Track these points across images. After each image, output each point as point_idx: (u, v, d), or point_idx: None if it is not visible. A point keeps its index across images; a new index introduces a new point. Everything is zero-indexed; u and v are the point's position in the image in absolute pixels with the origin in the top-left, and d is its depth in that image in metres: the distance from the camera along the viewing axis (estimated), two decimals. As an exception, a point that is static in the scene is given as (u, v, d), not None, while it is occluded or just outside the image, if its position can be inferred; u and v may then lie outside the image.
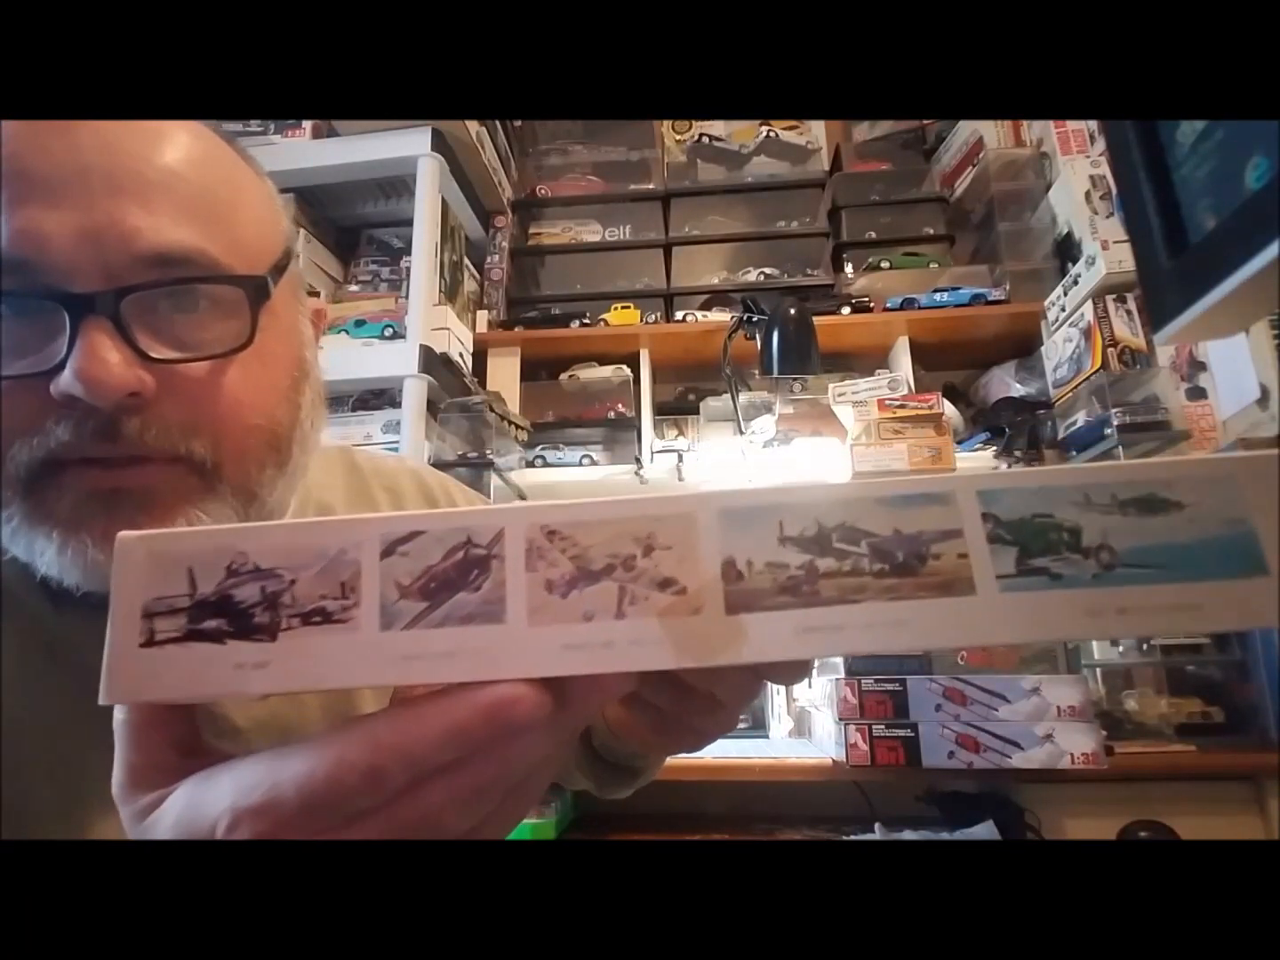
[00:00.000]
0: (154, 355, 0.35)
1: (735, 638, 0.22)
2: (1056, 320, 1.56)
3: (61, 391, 0.33)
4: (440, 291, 1.58)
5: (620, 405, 1.75)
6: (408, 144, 1.54)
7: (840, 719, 1.09)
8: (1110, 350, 1.38)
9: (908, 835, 1.13)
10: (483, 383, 1.68)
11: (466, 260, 1.77)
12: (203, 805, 0.23)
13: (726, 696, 0.31)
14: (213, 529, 0.23)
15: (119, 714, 0.24)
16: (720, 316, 1.71)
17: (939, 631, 0.21)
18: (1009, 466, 1.51)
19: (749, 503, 0.22)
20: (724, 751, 1.23)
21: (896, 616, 0.21)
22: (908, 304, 1.67)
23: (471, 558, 0.22)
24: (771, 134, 1.94)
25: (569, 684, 0.22)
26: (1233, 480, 0.21)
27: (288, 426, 0.40)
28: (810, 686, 1.41)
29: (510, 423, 1.58)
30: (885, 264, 1.74)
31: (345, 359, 1.49)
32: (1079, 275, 1.47)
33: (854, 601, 0.21)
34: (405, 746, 0.21)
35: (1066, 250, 1.59)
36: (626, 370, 1.75)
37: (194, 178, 0.38)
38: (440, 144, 1.56)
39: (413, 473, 0.61)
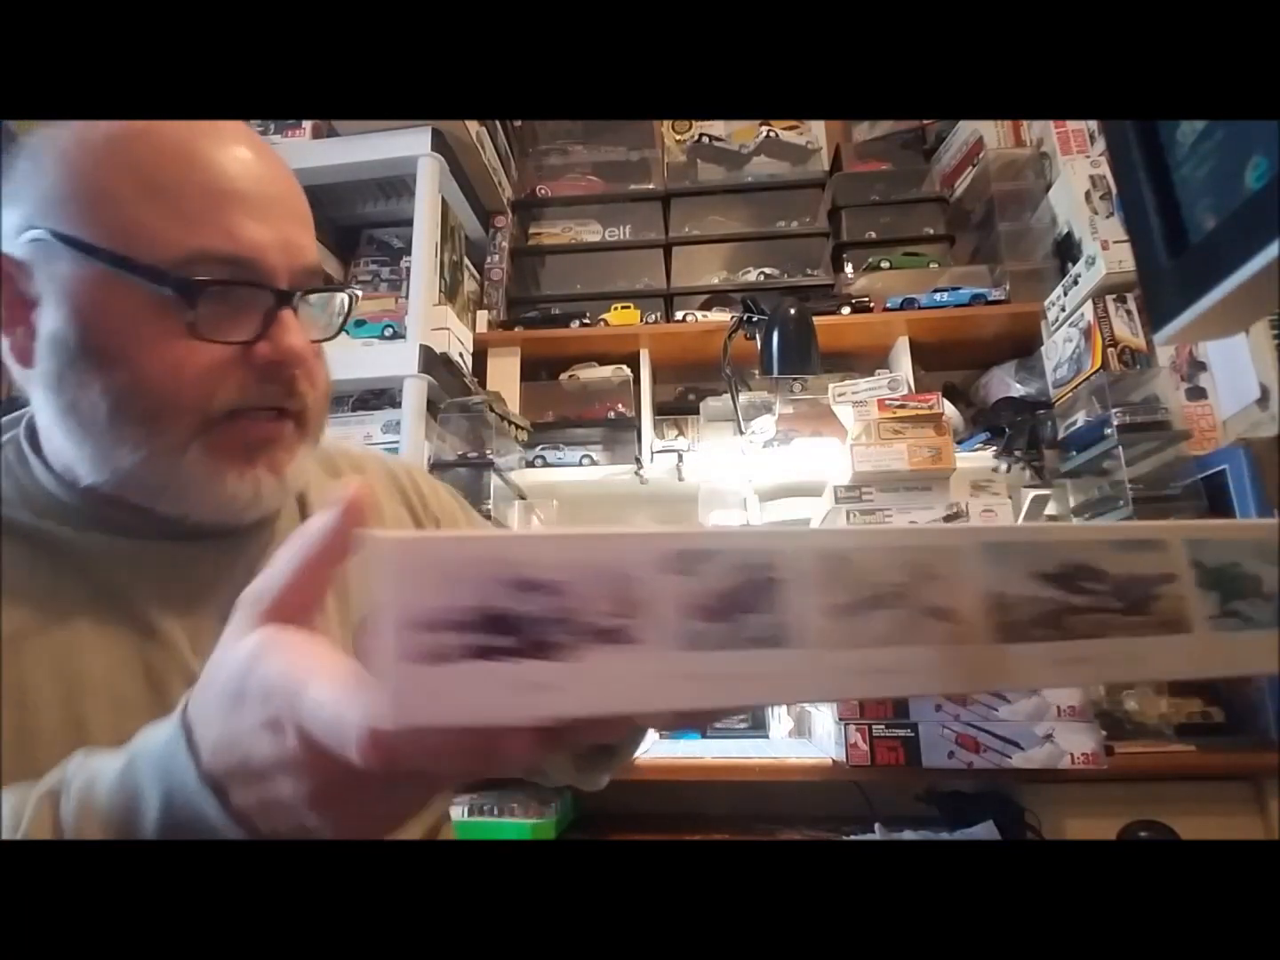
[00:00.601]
0: (311, 338, 0.48)
1: (1001, 667, 0.23)
2: (1056, 320, 1.56)
3: (268, 359, 0.45)
4: (440, 291, 1.58)
5: (620, 405, 1.75)
6: (408, 144, 1.54)
7: (840, 719, 1.09)
8: (1110, 350, 1.38)
9: (908, 835, 1.13)
10: (483, 383, 1.68)
11: (466, 260, 1.77)
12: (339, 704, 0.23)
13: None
14: (471, 535, 0.22)
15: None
16: (720, 316, 1.71)
17: (1168, 665, 0.25)
18: (1009, 467, 1.51)
19: (1007, 538, 0.24)
20: (724, 751, 1.23)
21: (1136, 651, 0.24)
22: (908, 304, 1.67)
23: (758, 580, 0.22)
24: (771, 134, 1.93)
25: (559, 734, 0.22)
26: None
27: (331, 391, 0.52)
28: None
29: (510, 423, 1.58)
30: (885, 264, 1.74)
31: (345, 359, 1.48)
32: (1079, 275, 1.47)
33: (1102, 636, 0.24)
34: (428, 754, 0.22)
35: (1066, 250, 1.59)
36: (626, 370, 1.75)
37: (307, 208, 0.51)
38: (440, 144, 1.56)
39: (378, 458, 0.67)
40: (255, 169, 0.46)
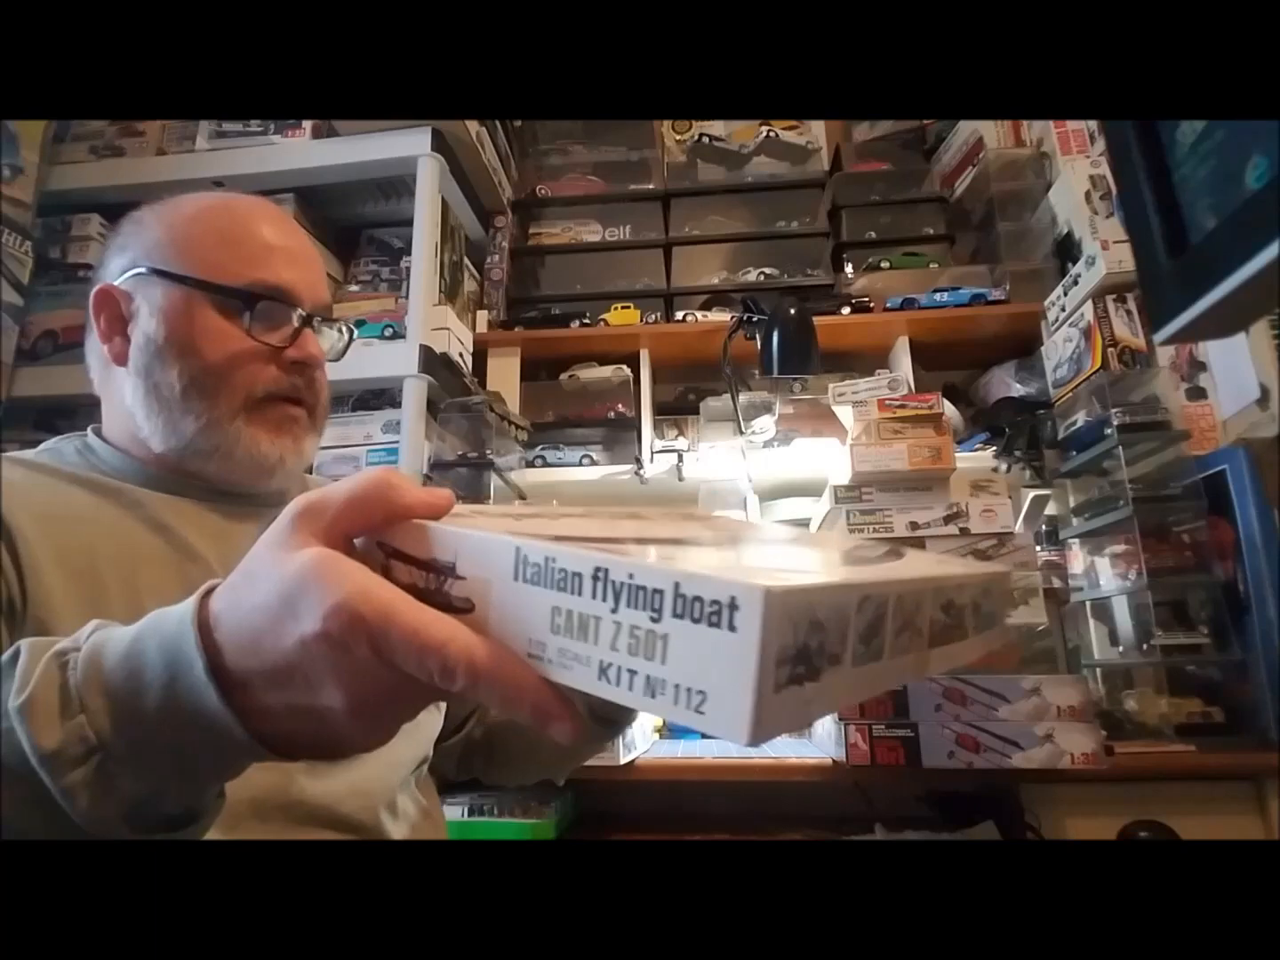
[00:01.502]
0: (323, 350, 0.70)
1: (929, 664, 0.32)
2: (1056, 320, 1.56)
3: (295, 359, 0.67)
4: (440, 291, 1.58)
5: (620, 405, 1.75)
6: (408, 144, 1.54)
7: (840, 719, 1.09)
8: (1110, 350, 1.38)
9: (908, 835, 1.13)
10: (483, 383, 1.68)
11: (466, 260, 1.77)
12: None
13: None
14: (818, 587, 0.25)
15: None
16: (720, 316, 1.71)
17: (968, 658, 0.37)
18: (1009, 467, 1.51)
19: (944, 582, 0.35)
20: (724, 751, 1.23)
21: (960, 651, 0.35)
22: (908, 304, 1.67)
23: (877, 616, 0.27)
24: (771, 134, 1.93)
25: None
26: None
27: (330, 396, 0.74)
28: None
29: (510, 423, 1.58)
30: (885, 264, 1.74)
31: (345, 359, 1.49)
32: (1079, 275, 1.47)
33: (953, 643, 0.35)
34: (492, 680, 0.26)
35: (1066, 250, 1.59)
36: (626, 370, 1.75)
37: (320, 261, 0.73)
38: (440, 144, 1.56)
39: None
40: (290, 236, 0.70)
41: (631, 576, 0.24)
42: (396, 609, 0.26)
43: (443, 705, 0.73)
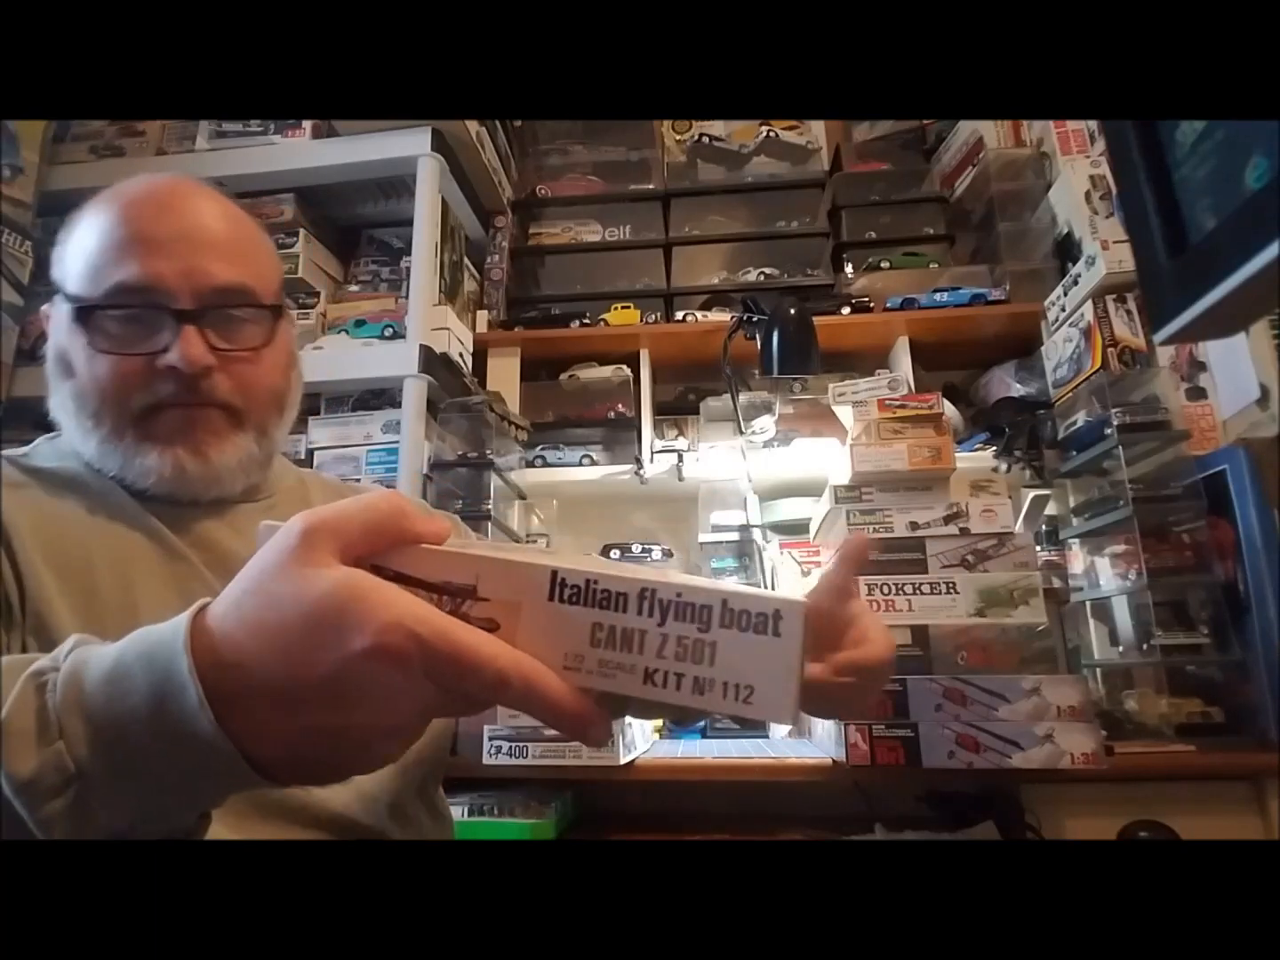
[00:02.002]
0: (218, 347, 0.61)
1: None
2: (1056, 320, 1.56)
3: (168, 364, 0.59)
4: (440, 291, 1.58)
5: (620, 405, 1.75)
6: (408, 144, 1.54)
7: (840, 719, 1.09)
8: (1110, 350, 1.38)
9: (908, 835, 1.13)
10: (483, 383, 1.68)
11: (466, 260, 1.77)
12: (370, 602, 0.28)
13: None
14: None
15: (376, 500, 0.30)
16: (720, 316, 1.71)
17: None
18: (1009, 467, 1.51)
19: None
20: (724, 751, 1.23)
21: None
22: (908, 304, 1.67)
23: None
24: (771, 134, 1.93)
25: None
26: None
27: (284, 391, 0.68)
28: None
29: (510, 423, 1.58)
30: (885, 264, 1.74)
31: (345, 359, 1.49)
32: (1079, 275, 1.47)
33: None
34: (540, 691, 0.27)
35: (1066, 250, 1.59)
36: (626, 370, 1.75)
37: (237, 240, 0.64)
38: (440, 144, 1.56)
39: (374, 488, 0.86)
40: (175, 218, 0.61)
41: (679, 595, 0.28)
42: (451, 627, 0.27)
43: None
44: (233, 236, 0.64)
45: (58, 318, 0.63)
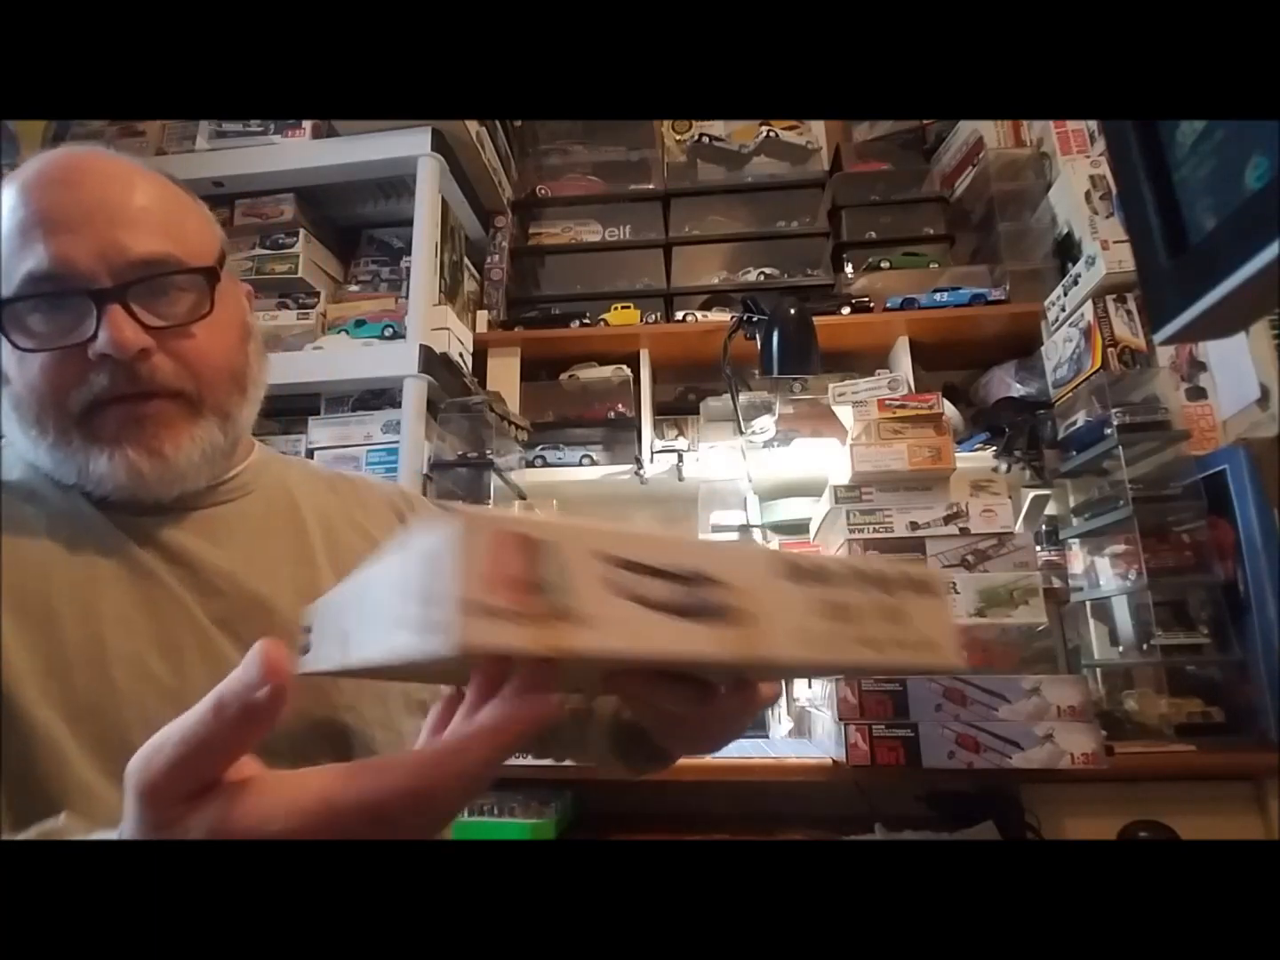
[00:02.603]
0: (151, 325, 0.53)
1: None
2: (1056, 320, 1.56)
3: (98, 352, 0.51)
4: (440, 291, 1.58)
5: (620, 405, 1.75)
6: (408, 144, 1.54)
7: (840, 719, 1.09)
8: (1110, 350, 1.38)
9: (908, 835, 1.13)
10: (483, 383, 1.68)
11: (466, 260, 1.77)
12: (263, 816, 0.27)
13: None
14: None
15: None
16: (720, 316, 1.71)
17: None
18: (1009, 467, 1.51)
19: None
20: (724, 751, 1.23)
21: None
22: (908, 304, 1.67)
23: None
24: (771, 134, 1.93)
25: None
26: None
27: (241, 367, 0.59)
28: (810, 686, 1.41)
29: (510, 423, 1.58)
30: (885, 264, 1.74)
31: (345, 359, 1.49)
32: (1079, 275, 1.47)
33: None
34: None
35: (1066, 250, 1.59)
36: (626, 370, 1.75)
37: (156, 208, 0.56)
38: (440, 144, 1.56)
39: (375, 484, 0.73)
40: (78, 193, 0.54)
41: (865, 567, 0.31)
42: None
43: None
44: (149, 204, 0.56)
45: None
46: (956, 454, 1.28)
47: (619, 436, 1.72)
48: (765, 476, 1.62)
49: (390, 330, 1.53)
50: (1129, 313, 1.40)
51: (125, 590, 0.53)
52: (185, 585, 0.55)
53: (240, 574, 0.56)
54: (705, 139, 1.97)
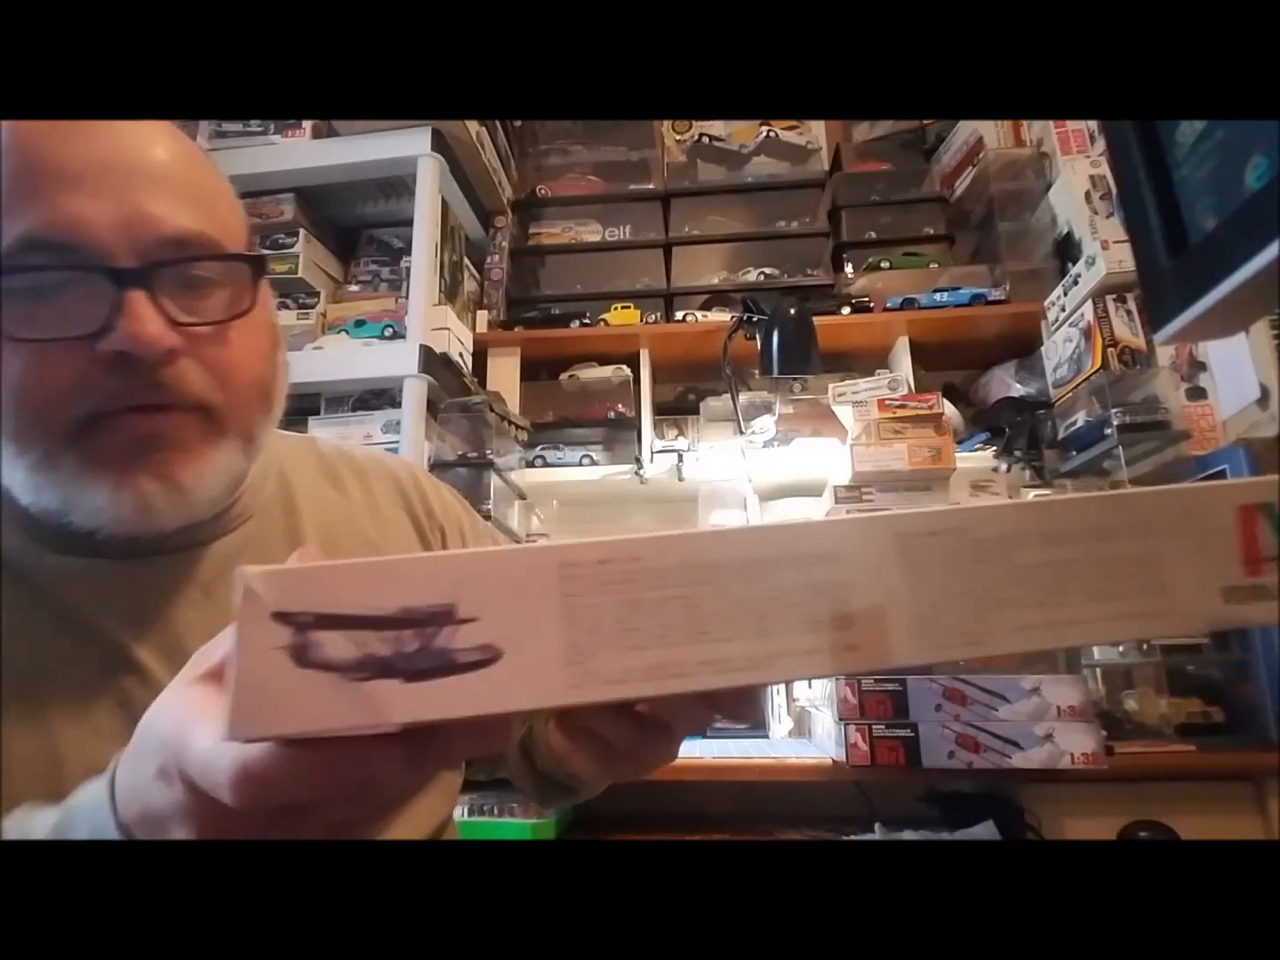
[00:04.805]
0: (180, 321, 0.42)
1: None
2: (1056, 320, 1.56)
3: (113, 349, 0.40)
4: (440, 291, 1.57)
5: (620, 405, 1.75)
6: (408, 144, 1.54)
7: (840, 719, 1.09)
8: (1110, 350, 1.38)
9: (908, 835, 1.13)
10: (483, 383, 1.68)
11: (466, 260, 1.77)
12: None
13: (681, 729, 0.33)
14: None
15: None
16: (720, 316, 1.71)
17: None
18: (1009, 467, 1.51)
19: None
20: (724, 751, 1.23)
21: None
22: (908, 304, 1.67)
23: None
24: (771, 134, 1.93)
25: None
26: None
27: (271, 379, 0.48)
28: (810, 686, 1.41)
29: (510, 423, 1.58)
30: (885, 264, 1.74)
31: (345, 359, 1.49)
32: (1079, 275, 1.47)
33: None
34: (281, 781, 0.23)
35: (1066, 250, 1.59)
36: (626, 370, 1.75)
37: (187, 173, 0.44)
38: (440, 144, 1.56)
39: (380, 461, 0.64)
40: (98, 144, 0.41)
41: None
42: (192, 733, 0.24)
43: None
44: (178, 165, 0.44)
45: None
46: (956, 454, 1.28)
47: (619, 436, 1.72)
48: (765, 476, 1.62)
49: (390, 330, 1.53)
50: (1129, 313, 1.40)
51: (88, 682, 0.43)
52: (168, 661, 0.44)
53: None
54: (705, 139, 1.97)
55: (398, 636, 0.21)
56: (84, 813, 0.29)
